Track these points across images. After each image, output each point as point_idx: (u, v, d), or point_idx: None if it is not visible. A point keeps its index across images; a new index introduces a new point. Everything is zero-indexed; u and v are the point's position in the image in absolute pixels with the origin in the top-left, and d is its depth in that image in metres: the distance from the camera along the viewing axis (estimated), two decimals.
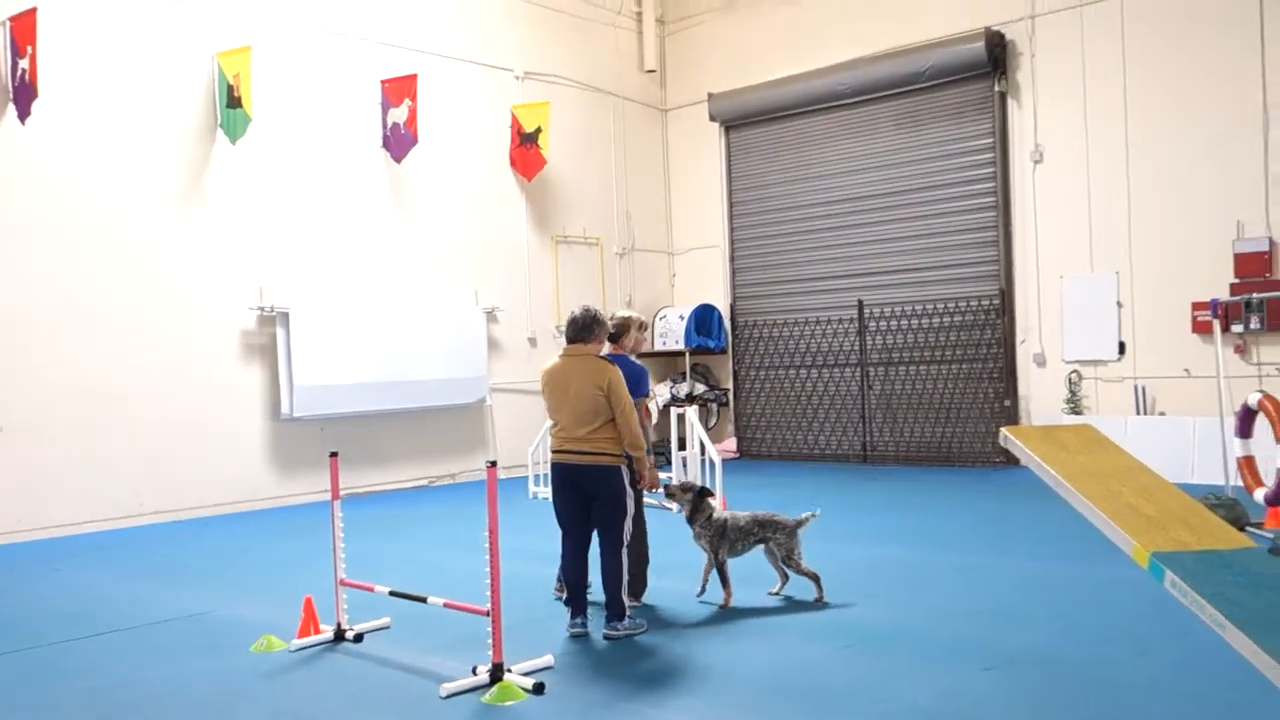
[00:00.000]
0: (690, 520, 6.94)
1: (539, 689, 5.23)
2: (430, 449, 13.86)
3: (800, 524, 6.91)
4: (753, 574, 7.25)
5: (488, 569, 5.35)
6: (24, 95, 10.22)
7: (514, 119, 14.79)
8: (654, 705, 5.03)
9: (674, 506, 7.50)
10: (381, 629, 6.53)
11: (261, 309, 12.25)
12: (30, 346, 10.52)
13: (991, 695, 4.98)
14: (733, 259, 16.69)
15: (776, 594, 6.96)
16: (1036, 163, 13.69)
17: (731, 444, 16.45)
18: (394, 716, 5.01)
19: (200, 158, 11.85)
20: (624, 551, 6.31)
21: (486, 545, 5.38)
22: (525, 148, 14.77)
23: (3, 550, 9.92)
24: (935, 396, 14.61)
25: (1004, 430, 3.91)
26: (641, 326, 7.48)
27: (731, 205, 16.66)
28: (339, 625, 6.36)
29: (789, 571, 6.93)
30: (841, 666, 5.54)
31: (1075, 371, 13.39)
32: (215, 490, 11.81)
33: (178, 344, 11.61)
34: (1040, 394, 13.78)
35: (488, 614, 5.37)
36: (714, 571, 6.89)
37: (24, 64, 10.18)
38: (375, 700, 5.27)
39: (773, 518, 6.96)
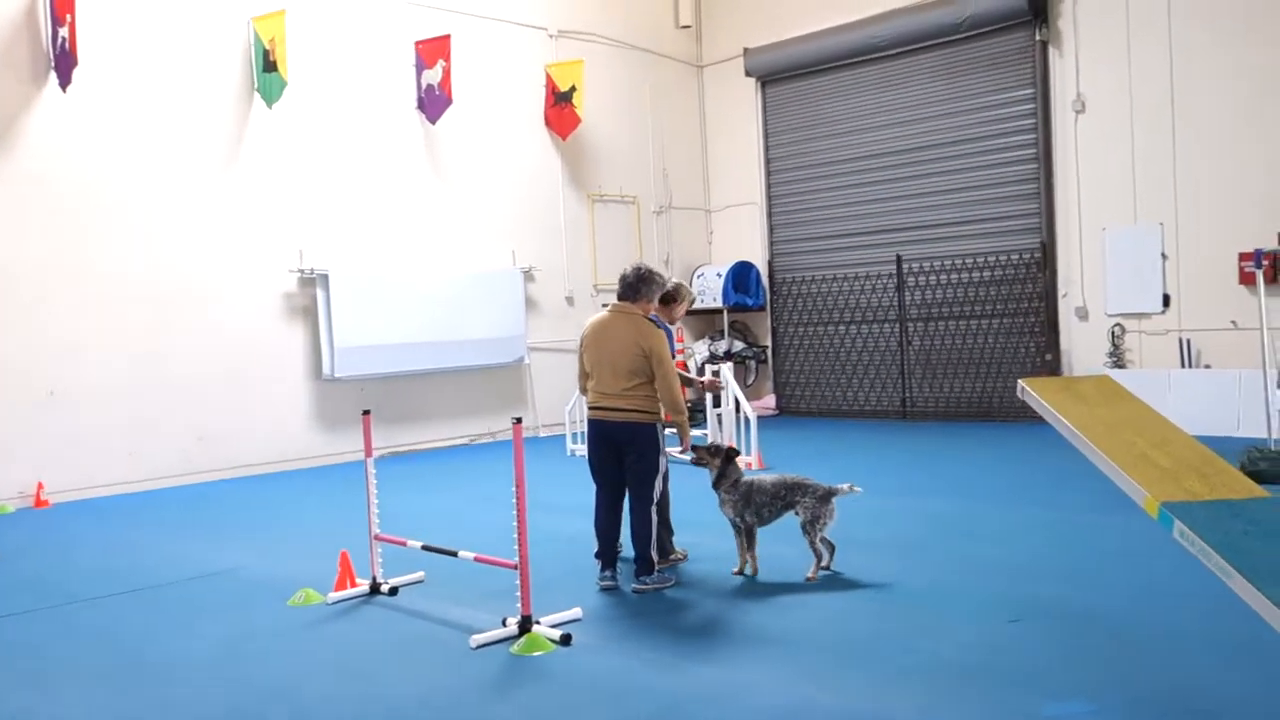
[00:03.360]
0: (716, 485, 6.54)
1: (566, 640, 5.33)
2: (470, 407, 14.00)
3: (834, 492, 6.40)
4: (785, 531, 7.28)
5: (515, 524, 5.44)
6: (65, 63, 10.37)
7: (548, 78, 14.76)
8: (678, 655, 5.11)
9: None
10: (416, 583, 6.66)
11: (302, 271, 12.41)
12: (77, 311, 10.74)
13: (1013, 646, 5.00)
14: (770, 215, 16.61)
15: (813, 578, 6.32)
16: (1079, 113, 13.44)
17: (771, 401, 16.46)
18: (424, 666, 5.13)
19: (238, 122, 11.97)
20: (653, 509, 6.37)
21: (514, 501, 5.46)
22: (560, 107, 14.75)
23: (55, 510, 10.20)
24: (975, 351, 14.50)
25: (1021, 382, 3.89)
26: (690, 301, 7.43)
27: (768, 161, 16.55)
28: (374, 579, 6.51)
29: (806, 539, 6.38)
30: (868, 619, 5.58)
31: (1118, 325, 13.22)
32: (260, 449, 12.04)
33: (222, 307, 11.80)
34: (1082, 348, 13.63)
35: (515, 567, 5.47)
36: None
37: (64, 32, 10.31)
38: (407, 650, 5.39)
39: (802, 481, 6.45)
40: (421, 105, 13.45)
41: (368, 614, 6.11)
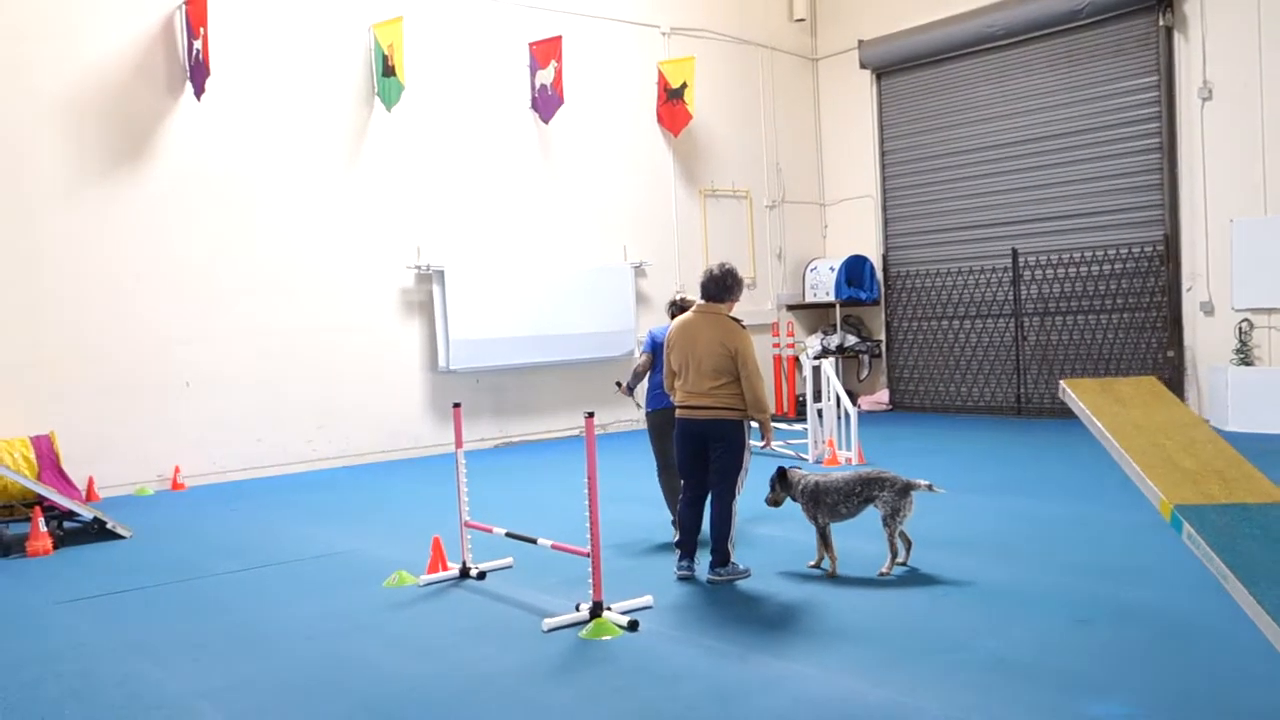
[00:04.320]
0: (777, 504, 6.79)
1: (633, 626, 5.54)
2: (579, 400, 14.33)
3: (912, 486, 6.44)
4: (864, 527, 7.34)
5: (587, 513, 5.68)
6: (199, 73, 11.06)
7: (660, 75, 14.97)
8: (737, 644, 5.27)
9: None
10: (505, 568, 6.97)
11: (419, 268, 12.93)
12: (211, 307, 11.47)
13: (1073, 647, 5.00)
14: (885, 208, 16.47)
15: (886, 573, 6.39)
16: (1205, 100, 12.96)
17: (884, 396, 16.35)
18: (497, 646, 5.42)
19: (359, 125, 12.56)
20: (735, 503, 6.52)
21: (586, 491, 5.70)
22: (672, 103, 14.95)
23: (189, 492, 10.93)
24: (1094, 347, 14.14)
25: (1062, 382, 3.92)
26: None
27: (883, 154, 16.42)
28: (464, 563, 6.84)
29: (886, 532, 6.45)
30: (934, 616, 5.63)
31: (1246, 320, 12.71)
32: (379, 438, 12.62)
33: (344, 302, 12.41)
34: (1207, 344, 13.15)
35: (588, 555, 5.71)
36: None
37: (198, 44, 11.01)
38: (483, 631, 5.69)
39: (880, 475, 6.52)
40: (535, 105, 13.82)
41: (453, 596, 6.44)
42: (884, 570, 6.43)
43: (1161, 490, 3.25)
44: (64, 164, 10.65)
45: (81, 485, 10.21)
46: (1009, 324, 14.94)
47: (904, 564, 6.56)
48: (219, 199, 11.54)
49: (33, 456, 9.53)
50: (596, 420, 15.11)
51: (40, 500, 8.56)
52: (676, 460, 6.77)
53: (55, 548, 8.13)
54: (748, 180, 16.30)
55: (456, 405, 7.09)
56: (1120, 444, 3.50)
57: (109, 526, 8.46)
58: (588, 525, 5.70)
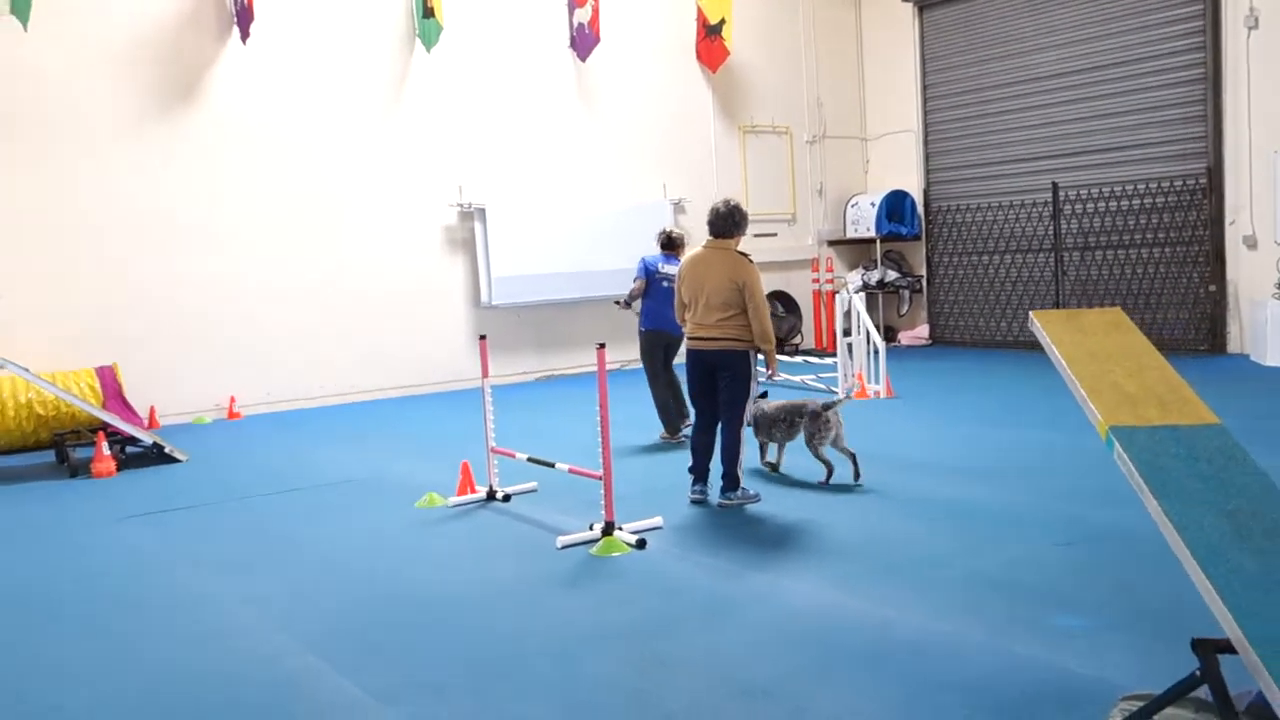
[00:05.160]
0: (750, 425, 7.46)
1: (641, 544, 5.90)
2: (620, 335, 14.63)
3: (829, 406, 7.23)
4: (869, 457, 7.61)
5: (599, 438, 6.03)
6: (244, 18, 11.40)
7: (699, 11, 15.02)
8: (738, 562, 5.60)
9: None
10: (529, 492, 7.36)
11: (461, 206, 13.27)
12: (263, 245, 11.93)
13: (1054, 565, 5.27)
14: (926, 143, 16.44)
15: (824, 483, 7.16)
16: (1251, 29, 12.75)
17: (924, 331, 16.47)
18: (514, 560, 5.81)
19: (400, 67, 12.85)
20: (742, 429, 6.83)
21: (598, 418, 6.04)
22: (710, 40, 15.02)
23: (244, 421, 11.50)
24: (1135, 282, 14.12)
25: (1031, 314, 4.14)
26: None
27: (925, 87, 16.35)
28: (490, 487, 7.24)
29: (810, 450, 7.22)
30: (925, 538, 5.91)
31: None
32: (424, 371, 13.08)
33: (389, 240, 12.82)
34: (1250, 278, 13.09)
35: (600, 478, 6.07)
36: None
37: None
38: (503, 548, 6.10)
39: (801, 404, 7.38)
40: (573, 44, 13.99)
41: (478, 516, 6.86)
42: (822, 481, 7.21)
43: (1100, 413, 3.48)
44: (121, 108, 11.10)
45: (144, 414, 10.80)
46: (1049, 259, 14.94)
47: (858, 480, 7.17)
48: (268, 140, 11.95)
49: (98, 386, 10.11)
50: (635, 355, 15.38)
51: (104, 426, 9.11)
52: (688, 388, 7.07)
53: (118, 470, 8.70)
54: (788, 116, 16.35)
55: (482, 338, 7.44)
56: (1071, 370, 3.72)
57: (167, 451, 9.00)
58: (599, 450, 6.04)
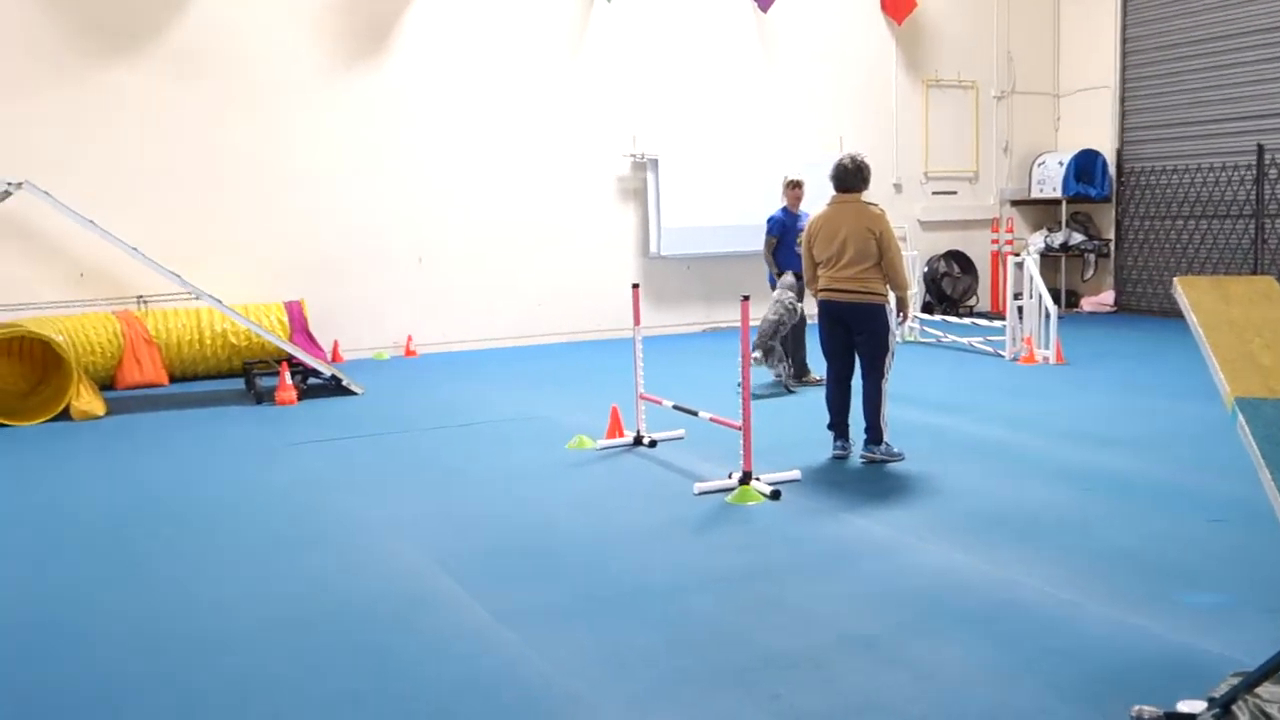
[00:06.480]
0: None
1: (775, 495, 6.00)
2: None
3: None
4: (1024, 425, 7.41)
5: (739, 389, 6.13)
6: None
7: None
8: (867, 516, 5.63)
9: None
10: (676, 439, 7.54)
11: (634, 156, 13.47)
12: (443, 190, 12.47)
13: (1199, 542, 5.09)
14: (1123, 100, 15.60)
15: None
16: None
17: (1108, 297, 15.75)
18: (649, 504, 6.01)
19: (581, 17, 13.09)
20: (884, 382, 6.80)
21: (740, 370, 6.14)
22: None
23: (420, 359, 12.11)
24: None
25: (1175, 280, 4.00)
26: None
27: (1124, 40, 15.47)
28: (638, 432, 7.46)
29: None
30: (1069, 507, 5.77)
31: None
32: (592, 318, 13.42)
33: (565, 189, 13.16)
34: None
35: (739, 428, 6.18)
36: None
37: None
38: (640, 490, 6.31)
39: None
40: None
41: (622, 460, 7.08)
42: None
43: (1229, 382, 3.36)
44: (310, 57, 11.76)
45: (327, 348, 11.51)
46: (1248, 225, 14.02)
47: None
48: (452, 88, 12.43)
49: (285, 319, 10.84)
50: (805, 307, 15.27)
51: (289, 358, 9.78)
52: (822, 343, 7.03)
53: (299, 399, 9.36)
54: (975, 70, 15.80)
55: (635, 286, 7.62)
56: (1206, 337, 3.59)
57: (345, 384, 9.61)
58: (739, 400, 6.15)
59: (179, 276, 9.30)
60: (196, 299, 9.49)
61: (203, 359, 10.58)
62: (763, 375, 9.62)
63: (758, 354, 9.08)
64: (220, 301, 9.53)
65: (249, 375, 9.87)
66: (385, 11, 12.06)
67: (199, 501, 6.30)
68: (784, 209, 10.04)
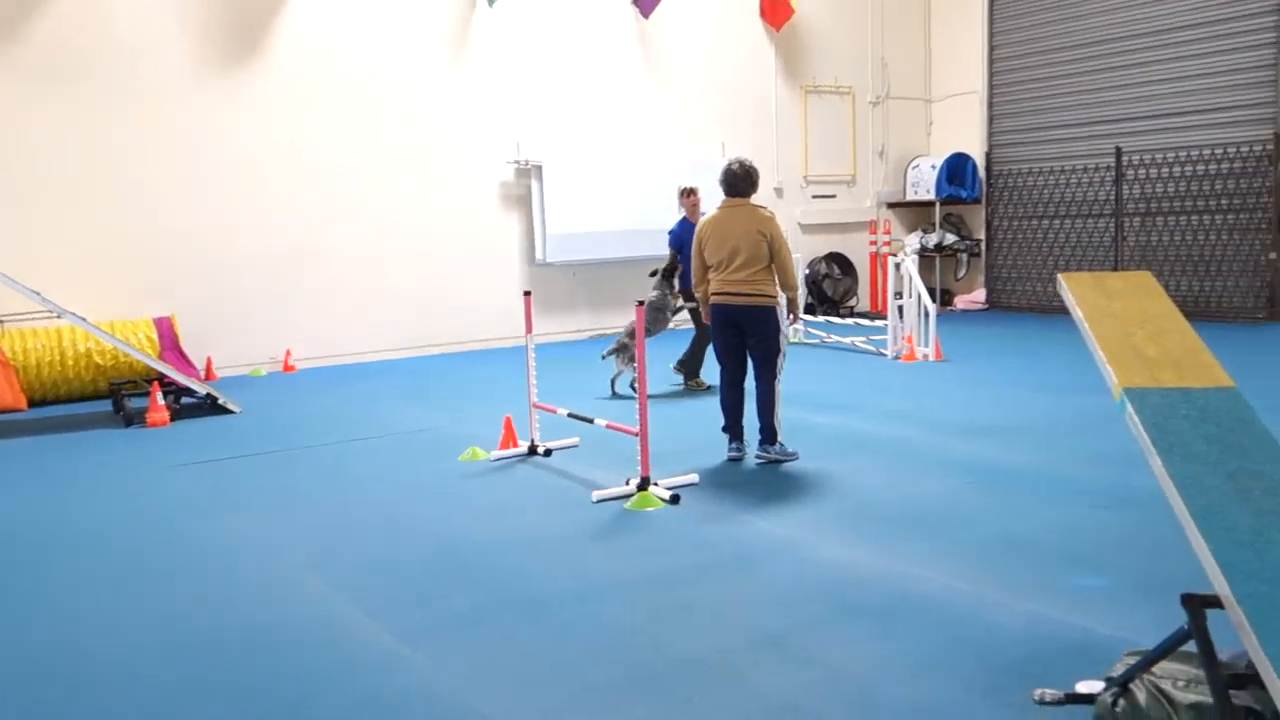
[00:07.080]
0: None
1: (674, 499, 5.99)
2: None
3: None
4: (917, 421, 7.58)
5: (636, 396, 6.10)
6: None
7: None
8: (765, 517, 5.67)
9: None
10: (571, 447, 7.47)
11: (518, 162, 13.37)
12: (324, 199, 12.14)
13: (1086, 529, 5.26)
14: (991, 105, 16.16)
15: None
16: None
17: (980, 295, 16.28)
18: (549, 512, 5.94)
19: (461, 22, 12.94)
20: (776, 383, 6.87)
21: (635, 377, 6.11)
22: None
23: (299, 374, 11.77)
24: (1196, 249, 13.82)
25: (1059, 275, 4.12)
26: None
27: (992, 49, 16.04)
28: (532, 441, 7.37)
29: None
30: (959, 499, 5.91)
31: None
32: (477, 327, 13.25)
33: (447, 196, 12.96)
34: None
35: (636, 434, 6.15)
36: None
37: None
38: (539, 500, 6.23)
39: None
40: (635, 1, 13.94)
41: (518, 470, 6.99)
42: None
43: (1116, 374, 3.47)
44: (183, 55, 11.32)
45: (200, 366, 11.10)
46: (1109, 224, 14.66)
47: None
48: (328, 94, 12.12)
49: (155, 336, 10.42)
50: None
51: (160, 376, 9.39)
52: (714, 347, 7.10)
53: (172, 420, 8.97)
54: (851, 76, 16.17)
55: (527, 294, 7.53)
56: (1092, 331, 3.71)
57: (220, 402, 9.26)
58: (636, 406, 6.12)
59: (39, 294, 8.82)
60: (58, 317, 9.01)
61: (65, 381, 10.09)
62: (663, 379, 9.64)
63: (610, 353, 9.40)
64: (84, 319, 9.08)
65: (117, 396, 9.42)
66: (259, 11, 11.70)
67: (64, 530, 5.96)
68: (682, 220, 9.79)
